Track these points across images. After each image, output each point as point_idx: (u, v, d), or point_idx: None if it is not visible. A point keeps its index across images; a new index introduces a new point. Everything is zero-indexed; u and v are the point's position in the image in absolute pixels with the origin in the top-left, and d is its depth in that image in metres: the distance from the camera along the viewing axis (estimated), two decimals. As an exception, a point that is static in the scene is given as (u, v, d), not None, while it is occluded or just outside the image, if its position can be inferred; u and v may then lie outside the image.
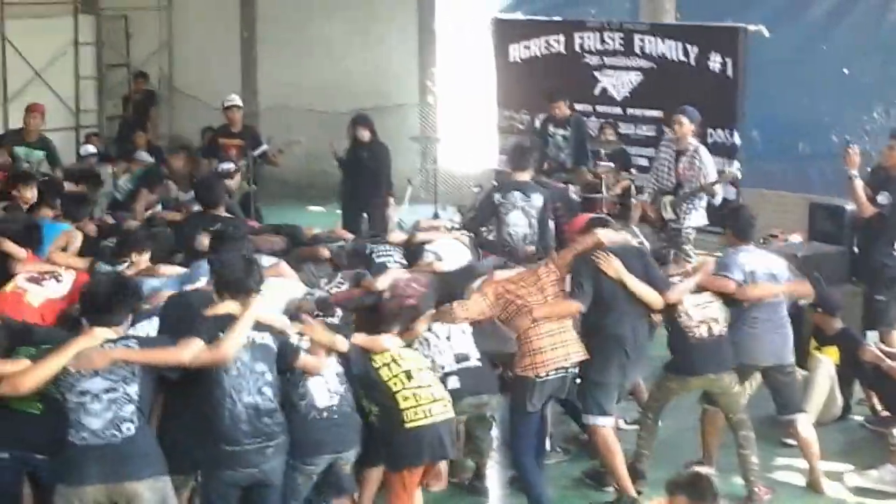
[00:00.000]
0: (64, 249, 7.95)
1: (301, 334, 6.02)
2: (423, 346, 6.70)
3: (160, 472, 5.29)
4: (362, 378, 6.12)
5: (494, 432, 7.14)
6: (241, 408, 5.50)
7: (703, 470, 4.93)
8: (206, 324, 5.62)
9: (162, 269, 7.51)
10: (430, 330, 6.76)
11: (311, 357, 5.90)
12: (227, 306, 5.72)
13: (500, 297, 6.79)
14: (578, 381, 6.95)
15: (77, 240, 8.17)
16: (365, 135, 11.40)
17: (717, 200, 9.89)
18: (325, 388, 5.91)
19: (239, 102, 12.24)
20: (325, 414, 5.85)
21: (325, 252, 8.14)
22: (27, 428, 5.46)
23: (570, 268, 6.91)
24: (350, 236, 9.10)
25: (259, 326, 5.67)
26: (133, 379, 5.28)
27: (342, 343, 6.11)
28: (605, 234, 7.05)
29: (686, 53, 11.67)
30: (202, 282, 6.75)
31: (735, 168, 10.14)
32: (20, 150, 11.17)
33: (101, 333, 5.40)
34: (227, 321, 5.59)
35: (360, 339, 6.26)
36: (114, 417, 5.20)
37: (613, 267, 6.88)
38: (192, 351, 5.41)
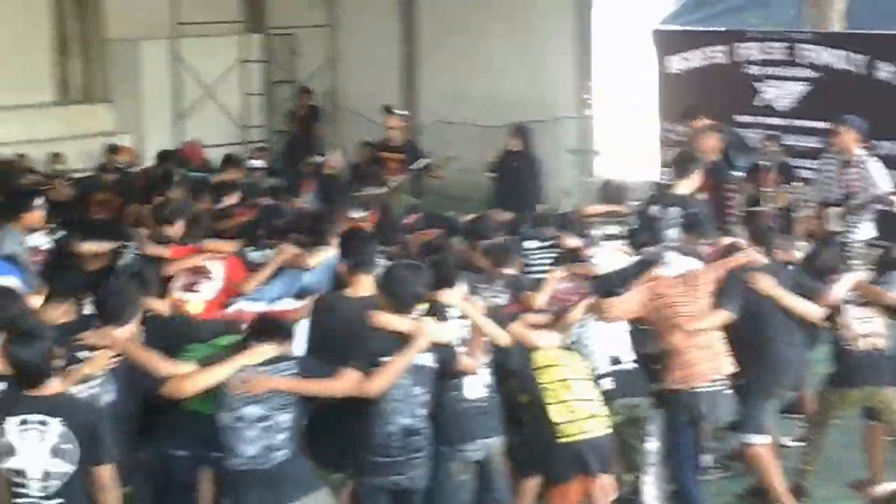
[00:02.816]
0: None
1: (463, 316, 6.04)
2: (578, 347, 6.69)
3: (313, 489, 5.46)
4: (521, 374, 6.16)
5: (652, 446, 7.09)
6: (394, 428, 5.64)
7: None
8: (369, 345, 5.66)
9: (311, 258, 7.36)
10: (582, 327, 6.71)
11: (468, 359, 5.93)
12: (394, 321, 5.71)
13: (653, 298, 6.74)
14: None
15: None
16: (515, 144, 11.46)
17: None
18: (478, 382, 6.00)
19: (399, 111, 12.49)
20: (475, 403, 5.95)
21: (482, 261, 8.12)
22: (203, 427, 5.64)
23: (720, 283, 6.86)
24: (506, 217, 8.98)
25: None
26: (288, 409, 5.41)
27: (503, 338, 6.15)
28: (750, 254, 7.07)
29: (853, 62, 11.36)
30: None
31: None
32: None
33: (265, 351, 5.50)
34: (391, 343, 5.62)
35: (516, 329, 6.27)
36: (267, 445, 5.37)
37: (764, 282, 6.85)
38: (346, 385, 5.49)
